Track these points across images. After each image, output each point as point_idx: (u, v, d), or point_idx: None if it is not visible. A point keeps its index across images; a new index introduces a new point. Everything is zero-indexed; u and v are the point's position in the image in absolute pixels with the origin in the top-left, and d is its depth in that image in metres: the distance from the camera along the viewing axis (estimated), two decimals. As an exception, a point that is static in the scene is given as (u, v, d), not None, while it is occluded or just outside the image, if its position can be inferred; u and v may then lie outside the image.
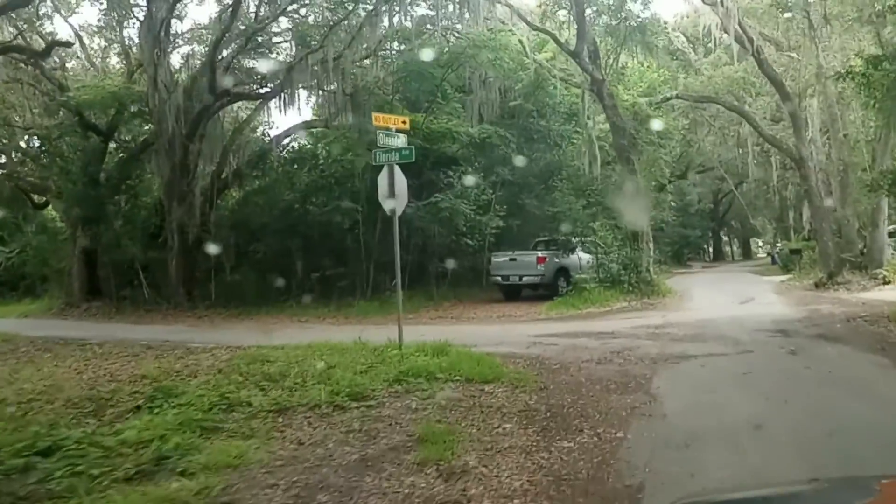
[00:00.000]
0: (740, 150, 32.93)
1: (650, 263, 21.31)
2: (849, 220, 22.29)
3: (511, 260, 22.58)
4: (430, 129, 23.54)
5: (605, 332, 13.27)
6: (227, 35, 21.19)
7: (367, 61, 25.53)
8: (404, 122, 11.50)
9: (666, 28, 26.14)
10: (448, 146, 23.90)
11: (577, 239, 22.85)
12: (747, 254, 66.92)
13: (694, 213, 54.79)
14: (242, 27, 22.24)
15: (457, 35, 24.81)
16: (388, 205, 10.88)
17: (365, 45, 23.98)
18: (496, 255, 23.17)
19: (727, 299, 19.87)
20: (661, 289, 21.51)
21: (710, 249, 63.81)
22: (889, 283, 19.96)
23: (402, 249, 24.50)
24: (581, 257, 22.49)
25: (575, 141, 25.26)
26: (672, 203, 52.73)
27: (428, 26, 25.74)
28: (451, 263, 23.44)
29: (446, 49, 24.81)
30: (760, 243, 70.87)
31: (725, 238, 68.92)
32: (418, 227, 22.66)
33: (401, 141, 11.25)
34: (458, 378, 8.52)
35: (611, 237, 20.84)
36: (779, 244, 49.41)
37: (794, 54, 23.05)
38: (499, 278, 22.83)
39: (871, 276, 20.81)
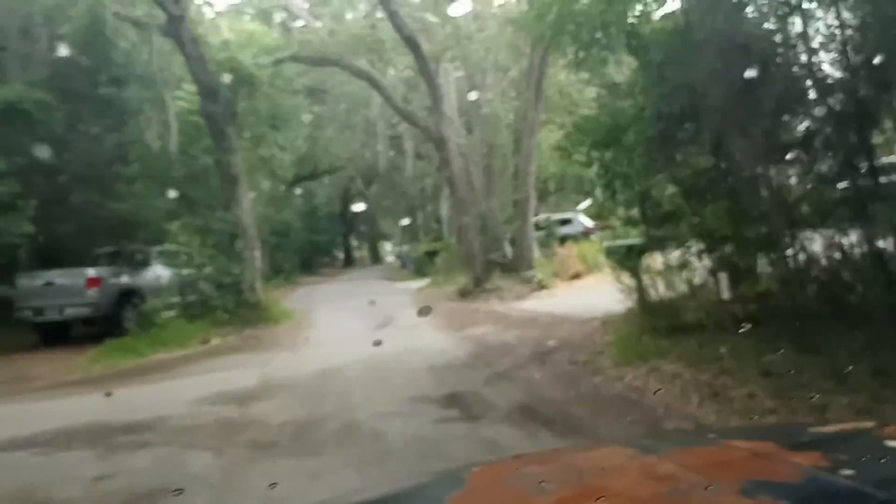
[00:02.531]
0: (368, 138, 28.70)
1: (257, 279, 15.21)
2: (494, 214, 18.64)
3: (47, 285, 14.65)
4: None
5: (135, 425, 6.72)
6: None
7: None
8: None
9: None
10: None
11: (156, 248, 15.80)
12: (377, 258, 64.91)
13: (323, 216, 50.51)
14: None
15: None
16: None
17: None
18: (26, 279, 15.03)
19: (361, 323, 14.60)
20: (273, 313, 15.53)
21: (342, 255, 60.25)
22: (546, 287, 16.48)
23: None
24: (161, 274, 15.44)
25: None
26: (301, 207, 48.02)
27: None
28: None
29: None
30: (389, 247, 69.61)
31: (356, 243, 66.16)
32: None
33: None
34: None
35: (198, 243, 14.29)
36: (405, 247, 47.27)
37: (429, 15, 18.79)
38: (29, 313, 14.77)
39: (522, 280, 17.23)
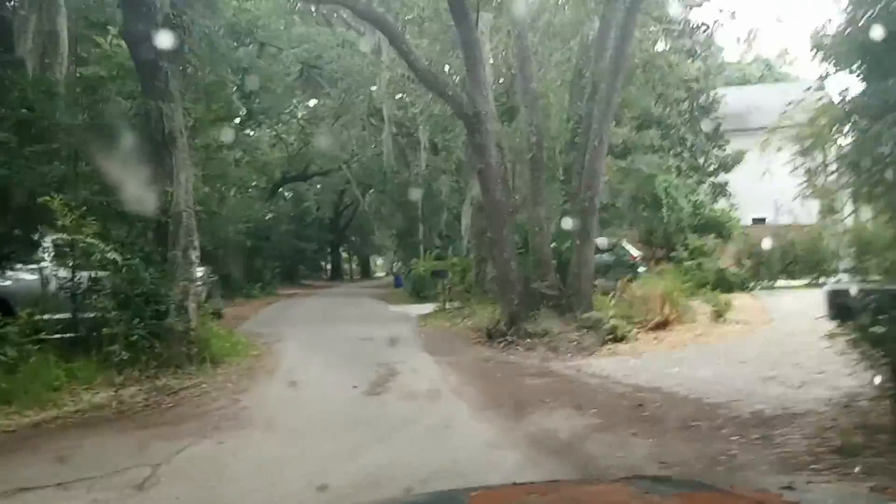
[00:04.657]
0: (369, 134, 23.54)
1: (191, 295, 9.83)
2: (542, 227, 13.38)
3: None
4: None
5: None
6: None
7: None
8: None
9: None
10: None
11: (49, 238, 10.37)
12: (366, 273, 59.59)
13: (311, 222, 45.06)
14: None
15: None
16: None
17: None
18: None
19: (346, 375, 9.29)
20: (215, 348, 10.15)
21: (329, 266, 54.80)
22: (622, 339, 11.15)
23: None
24: (54, 276, 9.96)
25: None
26: (288, 210, 42.49)
27: None
28: None
29: None
30: (379, 262, 64.27)
31: (345, 254, 60.62)
32: None
33: None
34: None
35: (94, 232, 8.89)
36: (399, 263, 41.86)
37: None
38: None
39: (582, 325, 11.93)
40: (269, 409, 7.63)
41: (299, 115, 37.76)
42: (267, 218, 36.56)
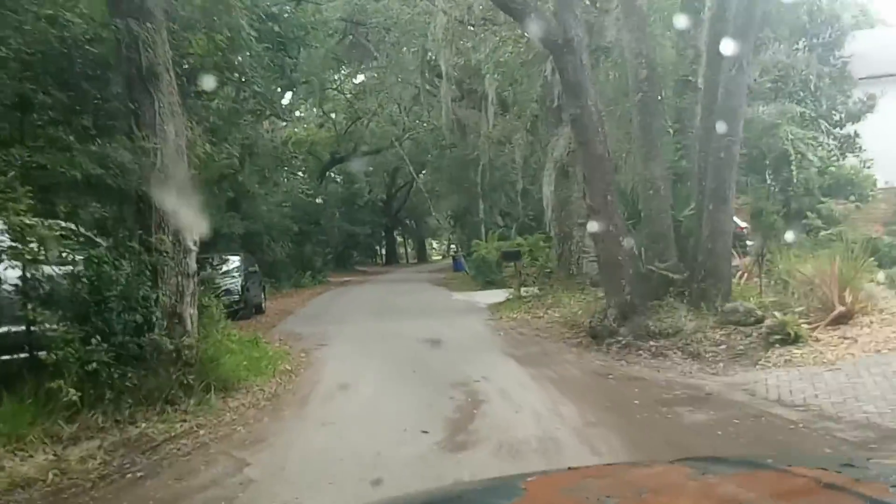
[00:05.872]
0: (418, 105, 20.46)
1: (188, 297, 6.96)
2: (658, 190, 10.12)
3: None
4: None
5: None
6: None
7: None
8: None
9: None
10: None
11: None
12: (423, 257, 56.92)
13: (364, 205, 42.33)
14: None
15: None
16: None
17: None
18: None
19: (408, 412, 6.34)
20: (224, 371, 7.25)
21: (383, 251, 52.21)
22: (796, 340, 7.86)
23: None
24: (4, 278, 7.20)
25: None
26: (340, 193, 39.86)
27: None
28: None
29: None
30: (435, 245, 61.57)
31: (400, 238, 57.97)
32: None
33: None
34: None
35: (28, 208, 6.03)
36: (455, 245, 39.04)
37: None
38: None
39: (726, 319, 8.69)
40: (288, 486, 4.65)
41: (346, 90, 35.15)
42: (316, 201, 34.03)
